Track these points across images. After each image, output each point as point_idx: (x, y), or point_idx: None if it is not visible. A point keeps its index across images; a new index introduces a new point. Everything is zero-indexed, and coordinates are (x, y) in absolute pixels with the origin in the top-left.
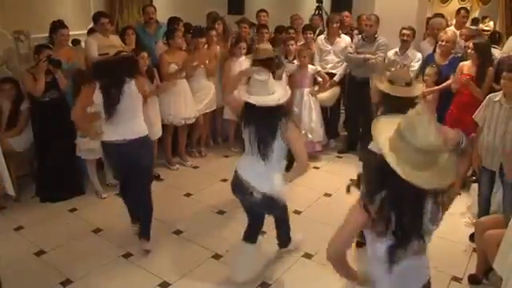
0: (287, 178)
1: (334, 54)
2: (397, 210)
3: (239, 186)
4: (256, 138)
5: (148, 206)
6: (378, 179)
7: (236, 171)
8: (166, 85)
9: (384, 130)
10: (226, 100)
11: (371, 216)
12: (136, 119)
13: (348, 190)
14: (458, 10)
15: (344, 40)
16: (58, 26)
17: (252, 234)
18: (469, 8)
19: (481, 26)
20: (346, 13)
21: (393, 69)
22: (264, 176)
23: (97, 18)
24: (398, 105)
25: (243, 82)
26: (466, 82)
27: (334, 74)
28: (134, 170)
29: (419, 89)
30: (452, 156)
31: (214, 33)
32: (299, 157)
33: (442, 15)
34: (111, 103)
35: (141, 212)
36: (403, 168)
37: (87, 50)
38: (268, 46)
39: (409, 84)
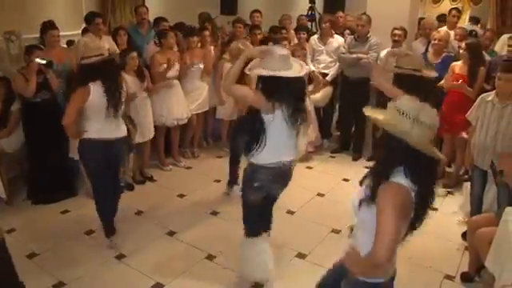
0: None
1: (326, 53)
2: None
3: (283, 177)
4: (291, 110)
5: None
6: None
7: (273, 167)
8: (157, 87)
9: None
10: (233, 91)
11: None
12: (121, 119)
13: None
14: (450, 11)
15: (337, 40)
16: (48, 26)
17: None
18: (460, 8)
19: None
20: (340, 13)
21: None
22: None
23: (90, 18)
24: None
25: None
26: (459, 86)
27: (327, 74)
28: (111, 166)
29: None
30: None
31: (207, 33)
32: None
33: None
34: (116, 102)
35: (116, 195)
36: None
37: (79, 50)
38: (245, 44)
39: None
